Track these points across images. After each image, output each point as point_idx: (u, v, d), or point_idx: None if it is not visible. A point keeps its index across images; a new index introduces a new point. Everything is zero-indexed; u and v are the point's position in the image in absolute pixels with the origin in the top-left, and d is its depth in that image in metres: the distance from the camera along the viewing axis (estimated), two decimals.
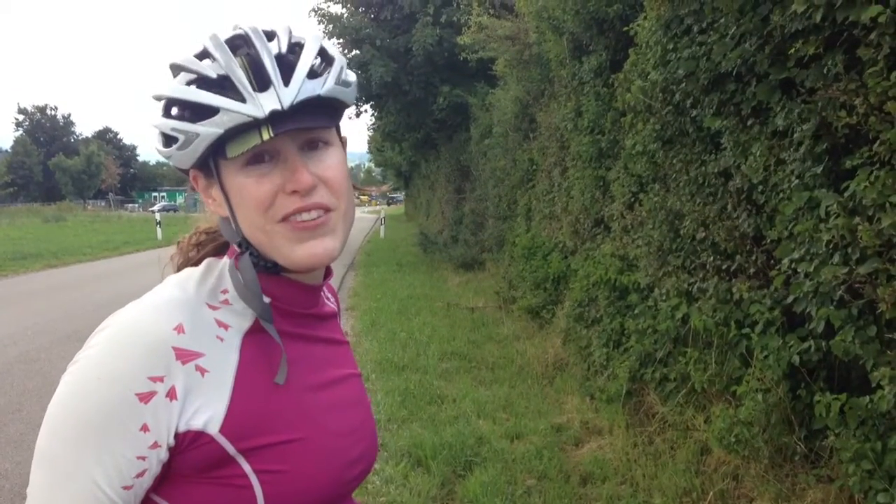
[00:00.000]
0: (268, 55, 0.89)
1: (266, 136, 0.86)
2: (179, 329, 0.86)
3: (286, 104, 0.86)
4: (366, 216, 46.18)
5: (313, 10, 16.26)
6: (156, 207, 54.48)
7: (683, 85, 3.92)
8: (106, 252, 20.50)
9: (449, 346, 7.36)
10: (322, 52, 0.94)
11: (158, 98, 0.92)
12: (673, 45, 4.06)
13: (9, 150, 79.41)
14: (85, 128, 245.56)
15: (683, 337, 4.22)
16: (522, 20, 8.81)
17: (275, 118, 0.86)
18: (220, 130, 0.86)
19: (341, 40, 16.30)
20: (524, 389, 5.75)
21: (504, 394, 5.65)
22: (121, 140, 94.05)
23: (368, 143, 36.49)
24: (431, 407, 5.38)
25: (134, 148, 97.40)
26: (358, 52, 16.12)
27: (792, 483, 3.19)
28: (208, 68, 0.89)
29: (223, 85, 0.88)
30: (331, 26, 16.18)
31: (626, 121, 4.94)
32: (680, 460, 3.84)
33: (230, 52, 0.88)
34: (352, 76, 0.97)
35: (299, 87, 0.88)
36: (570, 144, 6.81)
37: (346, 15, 16.47)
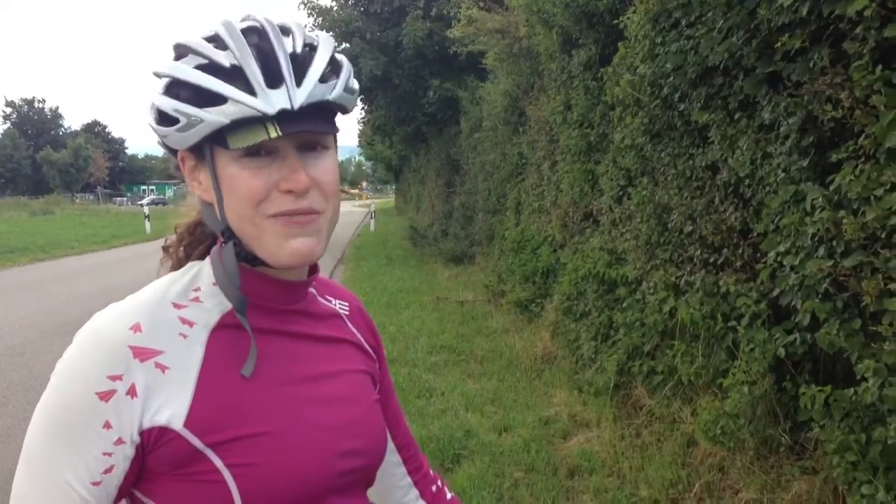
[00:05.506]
0: (283, 52, 0.89)
1: (273, 134, 0.86)
2: (136, 328, 0.88)
3: (296, 104, 0.86)
4: (355, 210, 46.10)
5: (303, 2, 16.19)
6: (144, 201, 53.93)
7: (671, 79, 3.93)
8: (94, 246, 20.40)
9: (438, 339, 7.36)
10: (331, 57, 0.95)
11: (159, 75, 0.91)
12: (661, 38, 4.06)
13: None
14: (73, 121, 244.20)
15: (671, 330, 4.24)
16: (512, 13, 8.81)
17: (281, 117, 0.86)
18: (226, 120, 0.86)
19: (331, 33, 16.20)
20: (513, 382, 5.76)
21: (492, 387, 5.66)
22: (109, 133, 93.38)
23: (359, 137, 36.38)
24: (420, 400, 5.39)
25: (122, 141, 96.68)
26: (347, 45, 16.06)
27: (777, 474, 3.21)
28: (221, 56, 0.88)
29: (233, 75, 0.87)
30: (320, 19, 16.12)
31: (614, 114, 4.95)
32: (667, 452, 3.87)
33: (246, 44, 0.88)
34: (356, 84, 0.98)
35: (311, 90, 0.88)
36: (560, 138, 6.82)
37: (335, 8, 16.42)
